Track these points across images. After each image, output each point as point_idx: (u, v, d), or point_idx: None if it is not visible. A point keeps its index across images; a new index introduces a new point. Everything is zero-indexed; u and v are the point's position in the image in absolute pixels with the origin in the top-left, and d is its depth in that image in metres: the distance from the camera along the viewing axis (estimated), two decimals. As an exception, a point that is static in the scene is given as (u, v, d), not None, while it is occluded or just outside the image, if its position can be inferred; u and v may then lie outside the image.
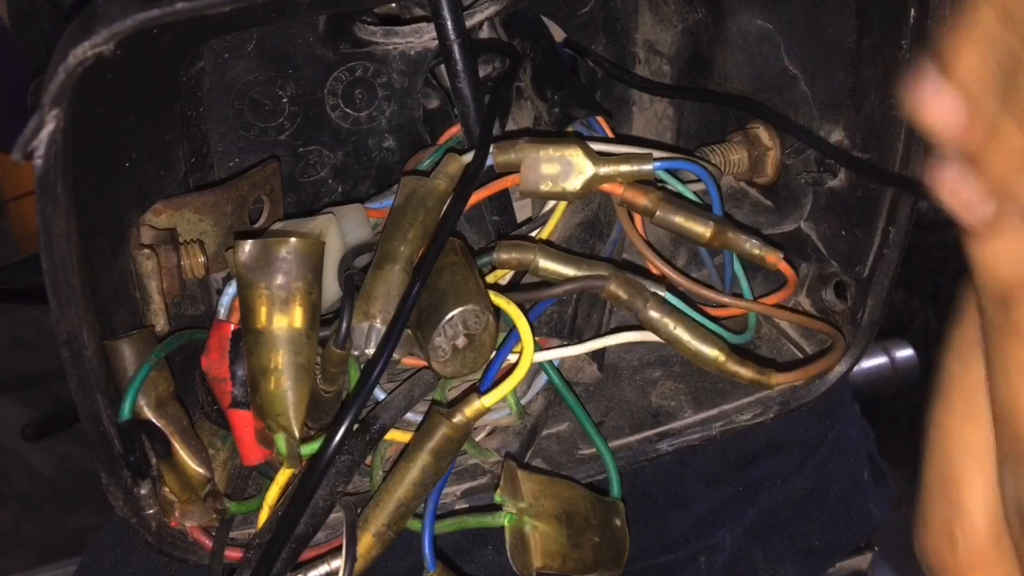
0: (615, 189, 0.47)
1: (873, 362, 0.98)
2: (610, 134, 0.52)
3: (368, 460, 0.45)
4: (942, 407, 0.31)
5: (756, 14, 0.54)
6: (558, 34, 0.60)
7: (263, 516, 0.43)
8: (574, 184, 0.46)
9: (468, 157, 0.46)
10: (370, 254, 0.46)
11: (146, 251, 0.45)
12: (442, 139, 0.54)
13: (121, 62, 0.35)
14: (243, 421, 0.44)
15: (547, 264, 0.46)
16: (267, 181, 0.53)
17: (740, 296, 0.50)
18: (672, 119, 0.62)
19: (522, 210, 0.56)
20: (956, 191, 0.28)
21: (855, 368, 0.53)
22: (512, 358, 0.44)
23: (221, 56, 0.51)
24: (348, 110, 0.55)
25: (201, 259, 0.48)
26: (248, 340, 0.42)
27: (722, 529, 0.58)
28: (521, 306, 0.44)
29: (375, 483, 0.45)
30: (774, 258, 0.47)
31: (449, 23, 0.48)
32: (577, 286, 0.45)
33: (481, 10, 0.54)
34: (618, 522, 0.46)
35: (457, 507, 0.48)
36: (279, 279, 0.41)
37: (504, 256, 0.46)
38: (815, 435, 0.62)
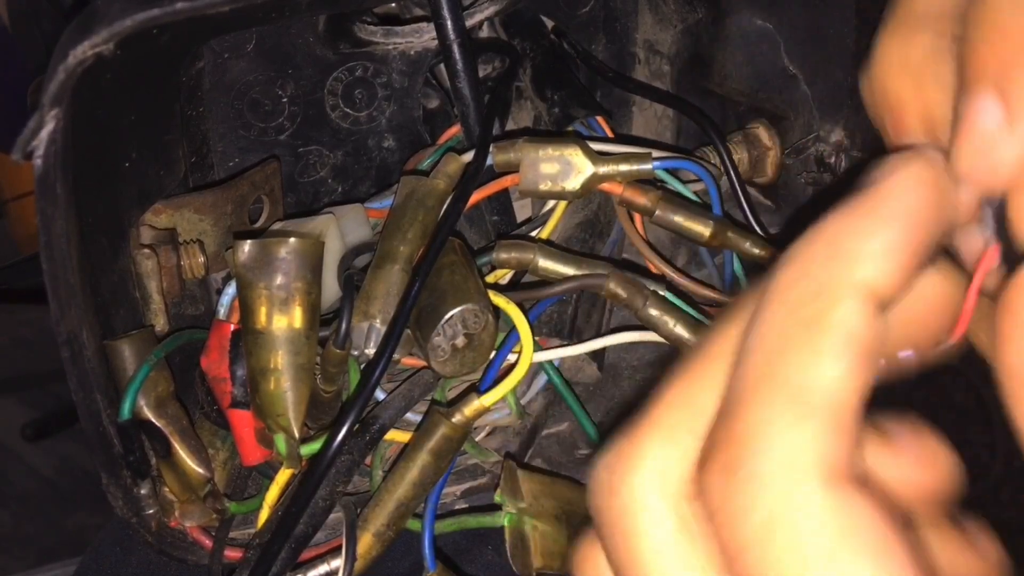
0: (614, 188, 0.47)
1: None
2: (610, 134, 0.52)
3: (368, 460, 0.45)
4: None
5: (756, 14, 0.54)
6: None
7: (263, 516, 0.43)
8: (573, 184, 0.46)
9: (467, 157, 0.46)
10: (370, 254, 0.46)
11: (146, 251, 0.45)
12: (442, 139, 0.54)
13: (121, 62, 0.35)
14: (243, 421, 0.44)
15: (547, 263, 0.46)
16: (267, 181, 0.53)
17: (740, 296, 0.50)
18: (672, 119, 0.62)
19: (522, 210, 0.56)
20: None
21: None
22: (512, 358, 0.44)
23: (221, 56, 0.51)
24: (348, 110, 0.55)
25: (201, 259, 0.48)
26: (248, 340, 0.42)
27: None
28: (521, 306, 0.44)
29: (375, 483, 0.45)
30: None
31: (449, 23, 0.48)
32: (576, 285, 0.45)
33: (481, 10, 0.54)
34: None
35: (457, 507, 0.48)
36: (279, 279, 0.41)
37: (504, 256, 0.46)
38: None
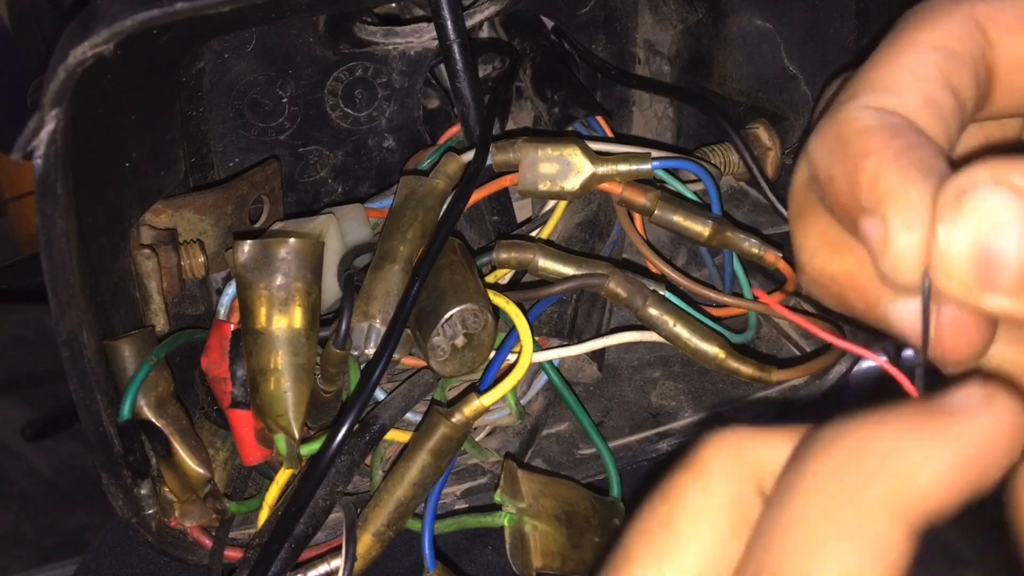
0: (614, 188, 0.47)
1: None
2: (610, 134, 0.52)
3: (368, 460, 0.45)
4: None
5: (756, 14, 0.54)
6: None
7: (263, 516, 0.43)
8: (572, 184, 0.46)
9: (467, 157, 0.46)
10: (370, 254, 0.46)
11: (146, 251, 0.45)
12: (442, 139, 0.54)
13: (121, 62, 0.35)
14: (243, 421, 0.44)
15: (546, 263, 0.46)
16: (267, 181, 0.53)
17: (740, 295, 0.50)
18: (672, 119, 0.62)
19: (522, 210, 0.56)
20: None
21: (855, 369, 0.53)
22: (512, 358, 0.44)
23: (221, 56, 0.51)
24: (348, 110, 0.55)
25: (201, 259, 0.48)
26: (248, 340, 0.42)
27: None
28: (521, 305, 0.44)
29: (375, 483, 0.45)
30: (773, 257, 0.47)
31: (449, 23, 0.48)
32: (576, 284, 0.45)
33: (481, 10, 0.54)
34: (618, 522, 0.46)
35: (457, 507, 0.48)
36: (279, 279, 0.41)
37: (504, 255, 0.46)
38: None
